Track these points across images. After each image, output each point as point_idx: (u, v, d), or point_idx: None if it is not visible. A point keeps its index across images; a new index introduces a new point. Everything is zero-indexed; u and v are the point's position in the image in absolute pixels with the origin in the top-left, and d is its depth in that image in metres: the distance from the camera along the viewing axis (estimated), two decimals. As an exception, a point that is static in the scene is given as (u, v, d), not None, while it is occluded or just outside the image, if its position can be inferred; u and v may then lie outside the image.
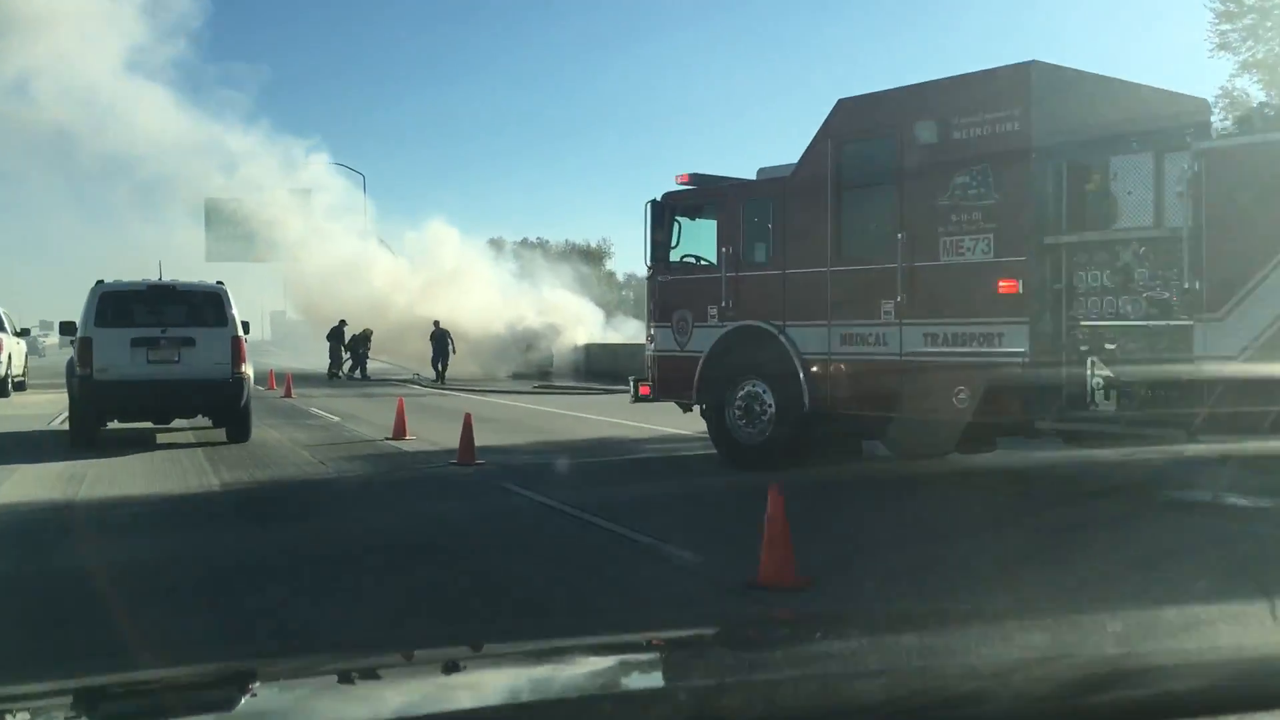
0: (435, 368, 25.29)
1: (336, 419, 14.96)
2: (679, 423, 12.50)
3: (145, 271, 12.74)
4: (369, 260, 33.97)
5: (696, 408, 9.99)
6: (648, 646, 1.57)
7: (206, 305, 11.33)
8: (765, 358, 9.08)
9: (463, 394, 21.34)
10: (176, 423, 11.95)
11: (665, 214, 10.01)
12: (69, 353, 11.91)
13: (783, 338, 8.91)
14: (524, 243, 42.60)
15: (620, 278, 54.22)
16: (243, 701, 1.25)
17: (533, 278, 33.74)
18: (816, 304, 8.64)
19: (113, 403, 10.79)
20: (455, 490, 8.44)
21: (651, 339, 10.35)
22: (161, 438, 11.67)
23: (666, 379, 10.11)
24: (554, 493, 7.89)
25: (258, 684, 1.35)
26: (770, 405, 9.00)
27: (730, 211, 9.52)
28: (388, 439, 11.85)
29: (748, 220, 9.41)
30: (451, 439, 11.19)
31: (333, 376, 26.65)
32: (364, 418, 15.11)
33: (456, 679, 1.33)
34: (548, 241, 47.59)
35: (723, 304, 9.42)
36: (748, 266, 9.35)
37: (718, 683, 1.22)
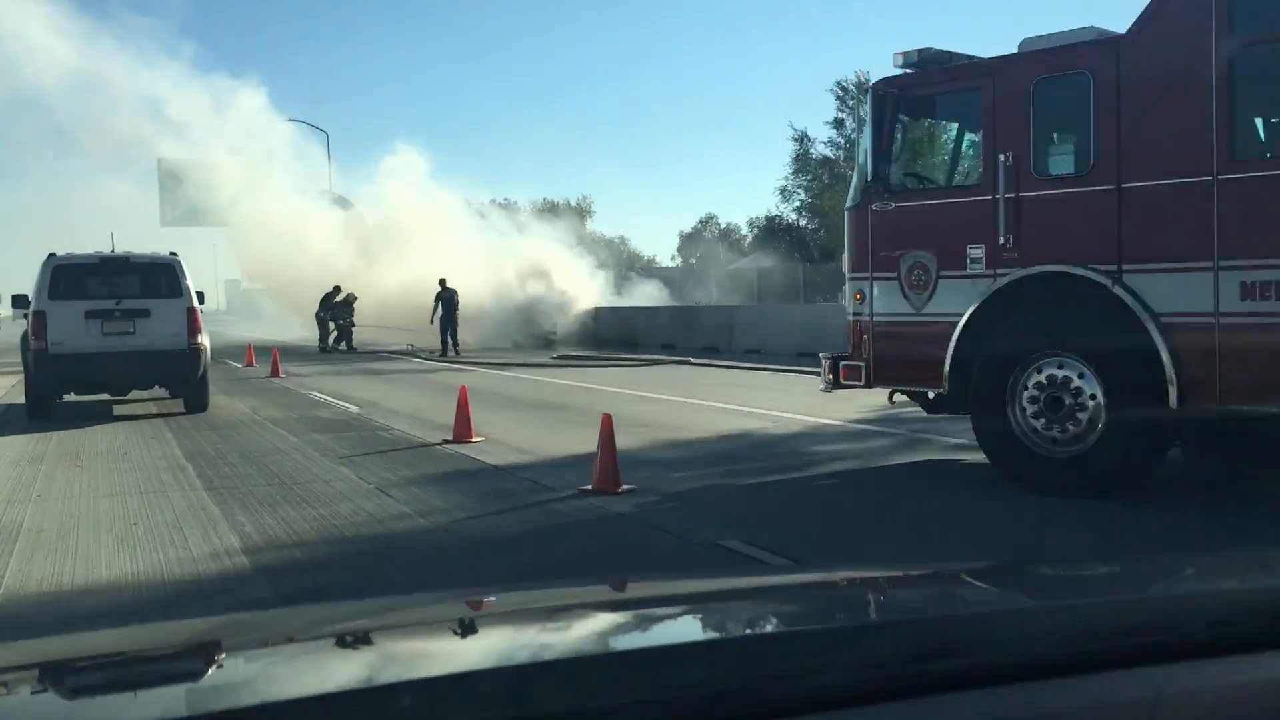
0: (444, 336, 21.55)
1: (355, 409, 11.60)
2: (809, 405, 10.10)
3: (99, 240, 12.47)
4: (324, 221, 30.31)
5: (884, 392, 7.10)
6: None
7: (160, 276, 11.29)
8: (1082, 322, 5.90)
9: (482, 368, 18.06)
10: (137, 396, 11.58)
11: (887, 109, 6.73)
12: (23, 325, 11.67)
13: (1119, 290, 5.69)
14: (492, 204, 38.33)
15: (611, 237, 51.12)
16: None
17: (517, 234, 30.11)
18: (1189, 234, 5.43)
19: (69, 376, 10.80)
20: (641, 553, 4.98)
21: (861, 299, 7.02)
22: (120, 409, 11.49)
23: (890, 357, 6.82)
24: (813, 554, 4.68)
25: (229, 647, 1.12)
26: (1094, 397, 5.80)
27: (1008, 100, 6.22)
28: (448, 441, 8.53)
29: (1042, 110, 6.11)
30: (535, 439, 8.80)
31: (323, 350, 23.39)
32: (387, 405, 11.85)
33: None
34: (515, 202, 43.32)
35: (999, 240, 6.16)
36: (1043, 182, 6.09)
37: None
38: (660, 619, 1.12)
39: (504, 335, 24.30)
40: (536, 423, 10.12)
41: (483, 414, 9.53)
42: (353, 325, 23.94)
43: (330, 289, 23.92)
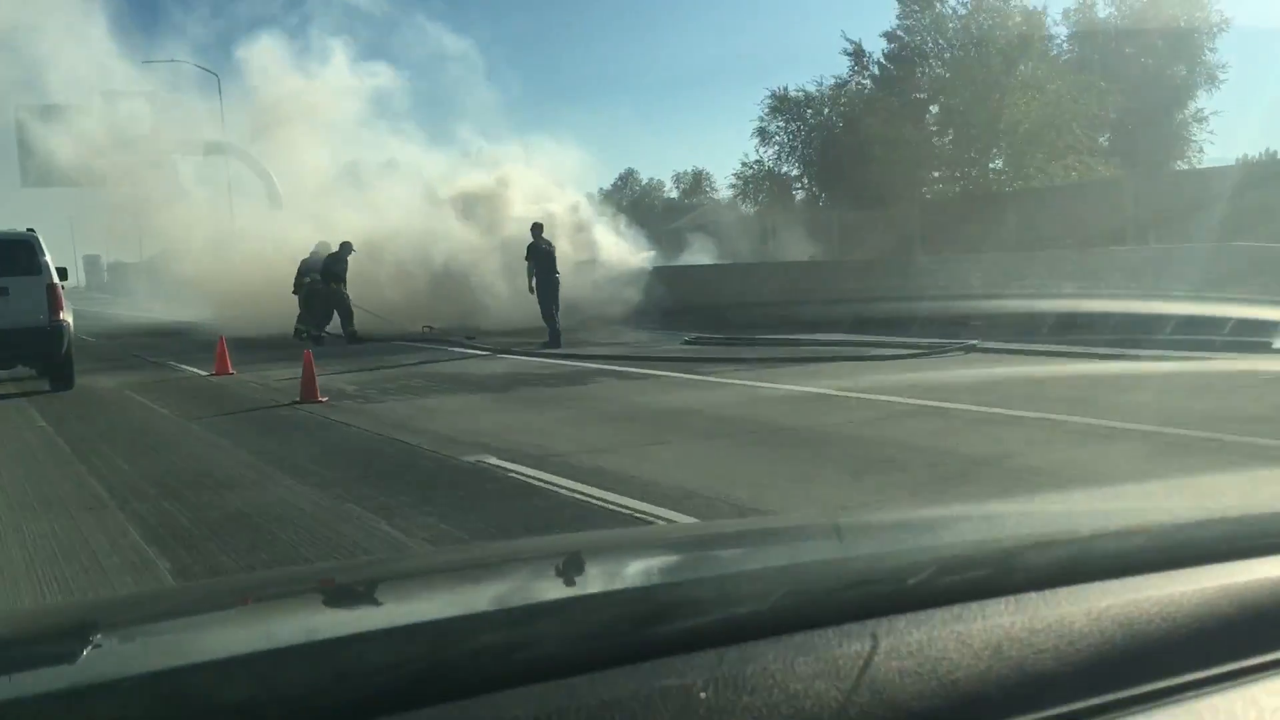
0: (548, 313, 14.93)
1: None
2: None
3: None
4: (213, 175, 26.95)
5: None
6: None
7: (18, 253, 11.08)
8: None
9: (644, 369, 11.58)
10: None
11: None
12: None
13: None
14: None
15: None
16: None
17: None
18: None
19: None
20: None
21: None
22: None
23: None
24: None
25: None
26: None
27: None
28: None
29: None
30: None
31: (309, 338, 17.00)
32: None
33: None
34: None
35: None
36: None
37: None
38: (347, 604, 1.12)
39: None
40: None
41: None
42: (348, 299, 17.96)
43: (337, 247, 18.08)
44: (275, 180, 26.71)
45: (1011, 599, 0.89)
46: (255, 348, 15.16)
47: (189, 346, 16.22)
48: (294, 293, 17.90)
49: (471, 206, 21.29)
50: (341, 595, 1.15)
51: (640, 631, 0.80)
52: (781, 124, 29.63)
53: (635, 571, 1.18)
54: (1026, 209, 21.88)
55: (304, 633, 0.89)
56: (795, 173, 30.28)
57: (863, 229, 24.51)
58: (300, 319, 17.80)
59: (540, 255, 14.94)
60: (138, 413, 9.78)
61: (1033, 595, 0.89)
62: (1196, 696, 0.85)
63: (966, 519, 1.26)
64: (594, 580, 1.12)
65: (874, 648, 0.80)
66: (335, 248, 18.25)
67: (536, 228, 15.17)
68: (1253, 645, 0.89)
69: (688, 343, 14.48)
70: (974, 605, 0.86)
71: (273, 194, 26.81)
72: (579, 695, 0.72)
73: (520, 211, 19.93)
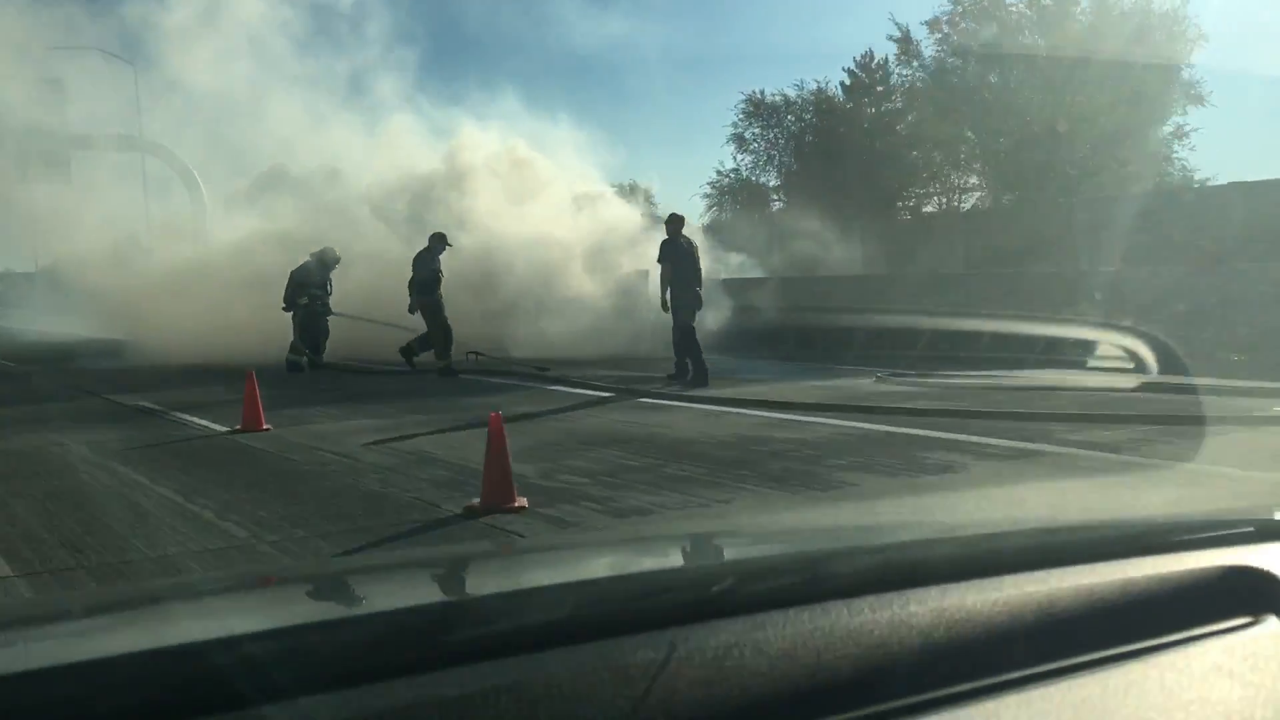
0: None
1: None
2: None
3: None
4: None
5: None
6: None
7: None
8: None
9: (799, 414, 8.55)
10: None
11: None
12: None
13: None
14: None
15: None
16: None
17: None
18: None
19: None
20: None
21: None
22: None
23: None
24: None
25: None
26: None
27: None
28: None
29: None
30: None
31: (305, 365, 13.91)
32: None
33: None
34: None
35: None
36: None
37: None
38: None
39: (608, 336, 14.67)
40: None
41: None
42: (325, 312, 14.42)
43: (320, 251, 14.40)
44: (199, 179, 24.02)
45: (817, 606, 0.92)
46: (224, 379, 11.50)
47: (151, 378, 12.75)
48: (285, 309, 14.12)
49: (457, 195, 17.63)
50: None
51: (427, 642, 0.82)
52: (758, 130, 29.24)
53: (430, 585, 1.19)
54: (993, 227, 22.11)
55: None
56: (774, 182, 29.86)
57: (860, 240, 24.06)
58: (295, 344, 14.03)
59: (680, 257, 11.13)
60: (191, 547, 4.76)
61: (838, 603, 0.92)
62: (989, 701, 0.88)
63: (780, 529, 1.30)
64: (382, 595, 1.13)
65: (669, 656, 0.83)
66: (337, 254, 14.36)
67: (675, 221, 11.39)
68: (1046, 652, 0.92)
69: (881, 379, 10.91)
70: (776, 613, 0.89)
71: (195, 194, 23.89)
72: (361, 704, 0.74)
73: (538, 201, 17.12)
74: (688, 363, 11.23)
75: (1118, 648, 0.93)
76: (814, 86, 28.02)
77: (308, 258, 14.36)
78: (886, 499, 5.17)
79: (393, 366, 13.72)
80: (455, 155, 19.10)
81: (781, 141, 29.08)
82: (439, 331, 13.13)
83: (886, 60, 26.70)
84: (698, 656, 0.84)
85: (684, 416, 8.83)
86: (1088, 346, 11.78)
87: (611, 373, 12.10)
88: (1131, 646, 0.93)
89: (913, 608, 0.92)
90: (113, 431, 8.42)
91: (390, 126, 21.92)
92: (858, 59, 27.21)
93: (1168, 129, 23.85)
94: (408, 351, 13.66)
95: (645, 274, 15.73)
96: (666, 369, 11.62)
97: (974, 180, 26.55)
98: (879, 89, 27.10)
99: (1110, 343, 11.10)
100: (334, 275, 14.45)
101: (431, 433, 8.04)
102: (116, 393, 11.54)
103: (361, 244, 15.93)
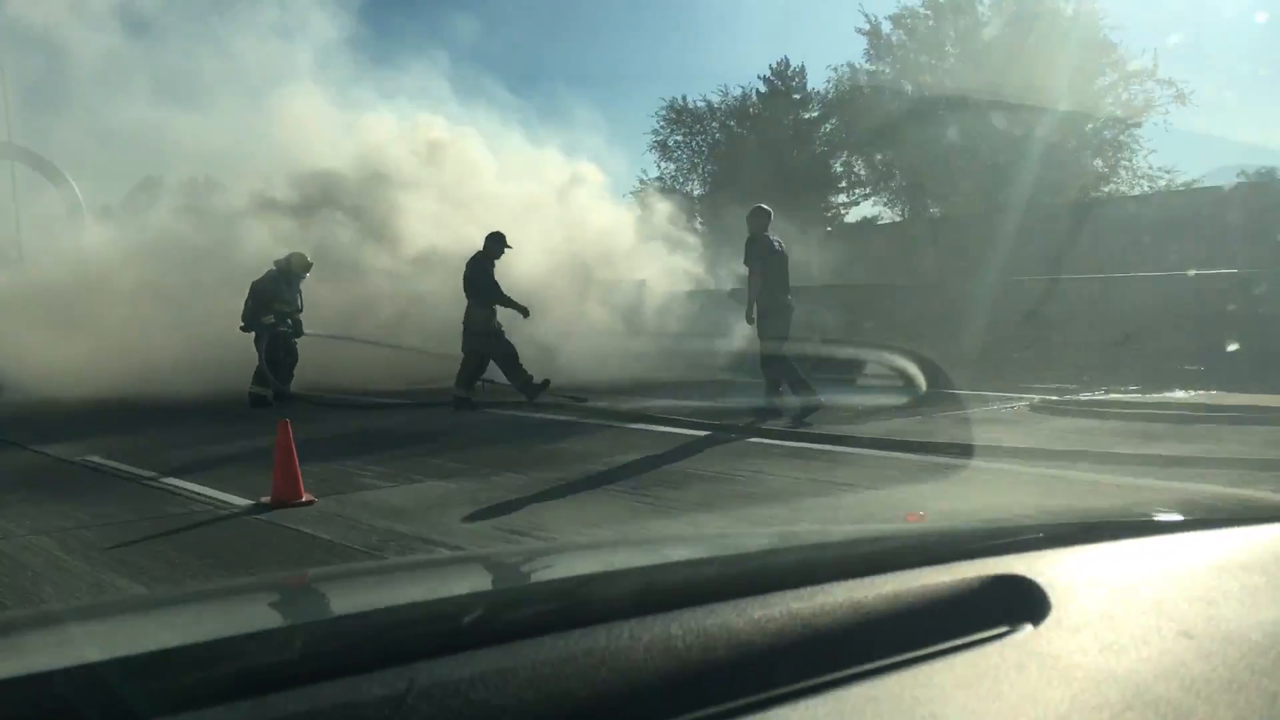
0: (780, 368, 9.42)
1: None
2: None
3: None
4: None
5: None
6: None
7: None
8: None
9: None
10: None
11: None
12: None
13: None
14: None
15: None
16: None
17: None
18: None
19: None
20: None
21: None
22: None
23: None
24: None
25: None
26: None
27: None
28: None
29: None
30: None
31: (269, 399, 11.83)
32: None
33: None
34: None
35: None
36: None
37: None
38: None
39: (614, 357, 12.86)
40: None
41: None
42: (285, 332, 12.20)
43: (286, 258, 12.19)
44: (75, 186, 21.73)
45: (578, 632, 0.90)
46: (169, 419, 10.00)
47: (68, 421, 10.36)
48: (244, 329, 11.96)
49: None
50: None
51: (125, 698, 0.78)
52: (680, 137, 29.35)
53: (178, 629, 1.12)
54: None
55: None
56: (698, 190, 29.82)
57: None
58: (260, 372, 11.82)
59: (772, 260, 9.21)
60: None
61: (599, 628, 0.90)
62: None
63: (540, 553, 1.28)
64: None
65: (408, 691, 0.80)
66: (308, 259, 12.22)
67: (762, 216, 9.32)
68: (809, 669, 0.91)
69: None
70: (530, 642, 0.86)
71: (71, 203, 21.47)
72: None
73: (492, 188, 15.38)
74: (782, 386, 9.30)
75: (880, 661, 0.93)
76: (738, 92, 28.32)
77: (271, 266, 12.15)
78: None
79: (382, 398, 11.77)
80: (366, 141, 17.17)
81: (705, 149, 29.26)
82: (476, 358, 11.10)
83: (803, 68, 27.14)
84: (439, 691, 0.81)
85: (864, 470, 6.41)
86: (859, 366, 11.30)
87: (677, 403, 10.08)
88: (889, 660, 0.93)
89: (674, 630, 0.91)
90: (79, 509, 5.86)
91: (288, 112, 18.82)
92: (774, 66, 27.60)
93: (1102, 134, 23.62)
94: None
95: (643, 283, 14.74)
96: (730, 394, 10.29)
97: (888, 193, 27.03)
98: (796, 96, 27.51)
99: (885, 362, 10.74)
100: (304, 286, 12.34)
101: (543, 498, 5.92)
102: (41, 441, 8.86)
103: (241, 254, 13.71)
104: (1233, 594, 1.03)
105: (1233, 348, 10.68)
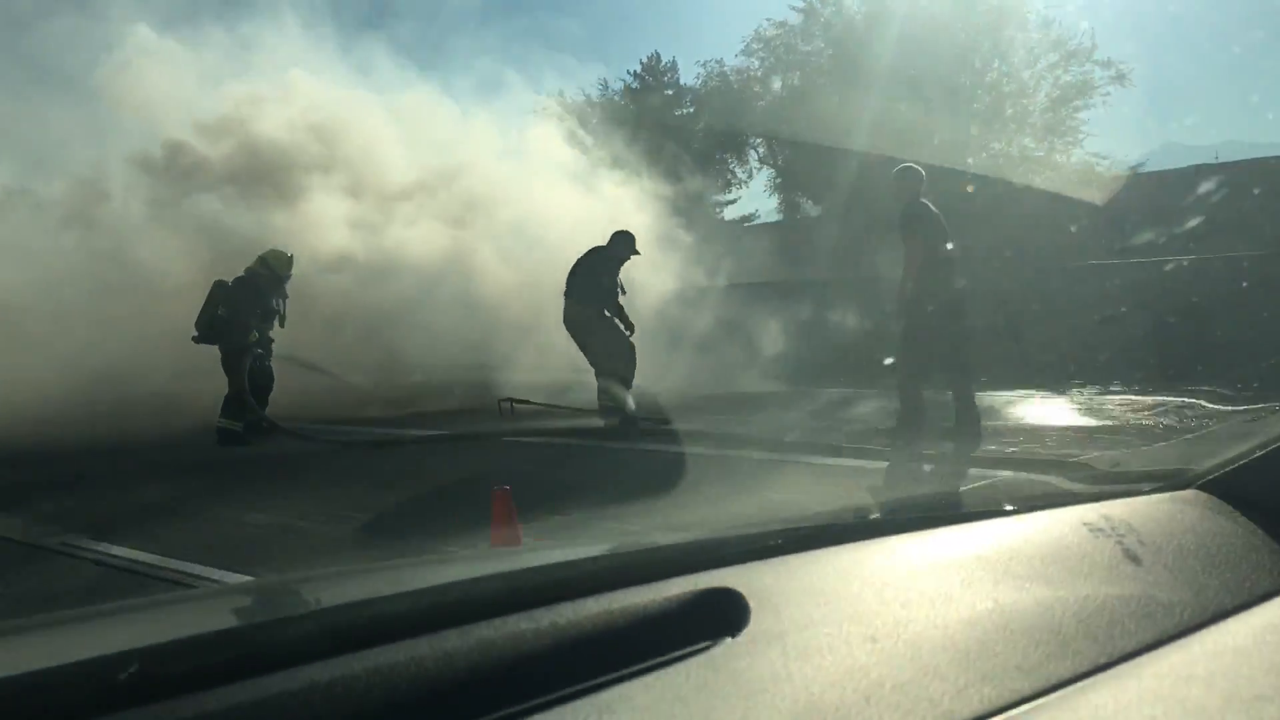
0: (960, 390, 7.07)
1: None
2: None
3: None
4: None
5: None
6: None
7: None
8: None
9: None
10: None
11: None
12: None
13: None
14: None
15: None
16: None
17: None
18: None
19: None
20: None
21: None
22: None
23: None
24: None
25: None
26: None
27: None
28: None
29: None
30: None
31: (232, 436, 9.62)
32: None
33: None
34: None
35: None
36: None
37: None
38: None
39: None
40: None
41: None
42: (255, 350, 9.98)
43: (269, 255, 10.19)
44: None
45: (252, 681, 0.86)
46: (131, 476, 7.92)
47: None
48: (197, 339, 9.74)
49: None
50: None
51: None
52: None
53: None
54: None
55: None
56: None
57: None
58: (238, 399, 9.62)
59: (933, 230, 7.05)
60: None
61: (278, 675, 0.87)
62: None
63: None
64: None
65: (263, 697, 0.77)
66: (289, 256, 10.16)
67: (914, 177, 7.26)
68: (510, 696, 0.90)
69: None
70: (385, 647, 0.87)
71: None
72: None
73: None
74: (920, 396, 7.05)
75: (580, 685, 0.93)
76: (620, 86, 28.37)
77: (255, 264, 10.00)
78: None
79: (389, 429, 9.88)
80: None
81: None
82: (612, 365, 9.04)
83: (674, 63, 27.35)
84: (307, 694, 0.80)
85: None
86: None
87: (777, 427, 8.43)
88: (588, 684, 0.93)
89: (356, 668, 0.88)
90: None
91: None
92: (644, 61, 27.82)
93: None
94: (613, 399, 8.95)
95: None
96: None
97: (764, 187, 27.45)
98: (669, 93, 27.77)
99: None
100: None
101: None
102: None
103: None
104: (926, 595, 1.07)
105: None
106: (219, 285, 9.90)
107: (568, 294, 9.36)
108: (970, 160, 21.37)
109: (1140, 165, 21.96)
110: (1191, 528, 1.23)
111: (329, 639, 0.91)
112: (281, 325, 10.15)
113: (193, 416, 10.05)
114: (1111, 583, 1.11)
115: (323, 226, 13.22)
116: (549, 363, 11.04)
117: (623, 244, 9.51)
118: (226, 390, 9.67)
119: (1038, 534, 1.22)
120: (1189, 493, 1.34)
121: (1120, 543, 1.19)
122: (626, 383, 8.97)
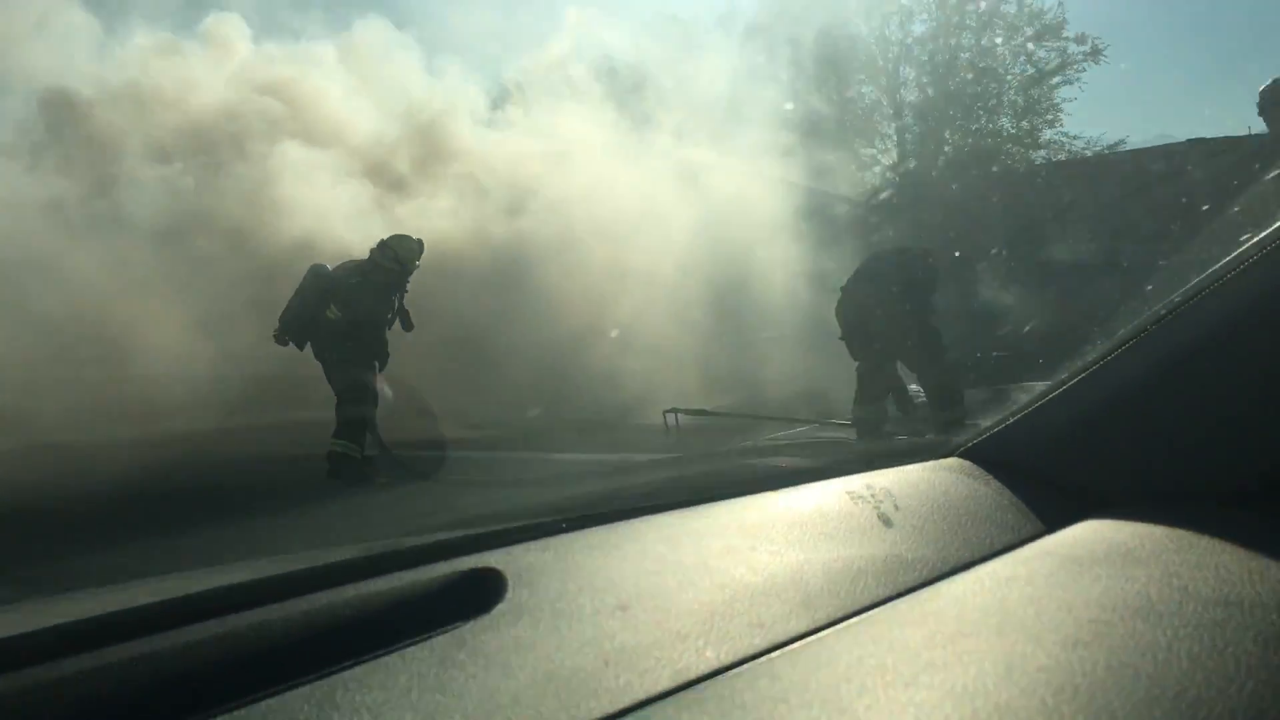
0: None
1: None
2: None
3: None
4: None
5: None
6: None
7: None
8: None
9: None
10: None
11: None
12: None
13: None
14: None
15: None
16: None
17: None
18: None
19: None
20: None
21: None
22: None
23: None
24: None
25: None
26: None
27: None
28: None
29: None
30: None
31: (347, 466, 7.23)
32: None
33: None
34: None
35: None
36: None
37: None
38: None
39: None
40: None
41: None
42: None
43: (392, 240, 7.94)
44: None
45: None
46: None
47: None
48: (281, 340, 7.81)
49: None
50: None
51: None
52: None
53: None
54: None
55: None
56: None
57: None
58: (345, 429, 7.39)
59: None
60: None
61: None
62: None
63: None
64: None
65: None
66: (415, 243, 7.98)
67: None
68: (254, 683, 0.90)
69: None
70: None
71: None
72: None
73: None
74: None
75: (333, 668, 0.93)
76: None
77: (375, 252, 7.89)
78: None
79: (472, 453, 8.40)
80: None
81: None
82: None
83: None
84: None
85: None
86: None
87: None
88: (339, 667, 0.93)
89: (110, 660, 0.87)
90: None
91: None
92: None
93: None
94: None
95: None
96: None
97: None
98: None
99: None
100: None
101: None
102: None
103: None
104: (684, 565, 1.11)
105: None
106: (322, 274, 7.82)
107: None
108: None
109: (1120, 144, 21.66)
110: (945, 491, 1.31)
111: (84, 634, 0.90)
112: (406, 329, 8.02)
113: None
114: (862, 545, 1.17)
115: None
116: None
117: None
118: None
119: (803, 504, 1.28)
120: (951, 460, 1.43)
121: (878, 508, 1.26)
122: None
